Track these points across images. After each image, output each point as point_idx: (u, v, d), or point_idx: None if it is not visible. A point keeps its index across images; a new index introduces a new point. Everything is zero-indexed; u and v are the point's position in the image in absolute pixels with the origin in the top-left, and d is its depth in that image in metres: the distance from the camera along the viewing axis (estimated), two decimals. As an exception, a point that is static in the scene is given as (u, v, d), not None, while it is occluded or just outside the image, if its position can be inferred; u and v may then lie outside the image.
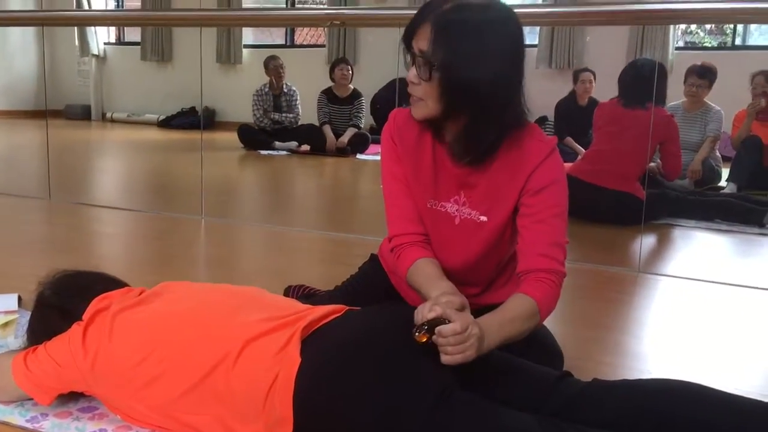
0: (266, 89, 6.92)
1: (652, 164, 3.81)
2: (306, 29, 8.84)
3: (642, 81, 3.63)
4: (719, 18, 4.17)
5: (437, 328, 1.13)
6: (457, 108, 1.32)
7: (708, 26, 7.26)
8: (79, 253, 2.79)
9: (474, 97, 1.29)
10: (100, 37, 9.82)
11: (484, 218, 1.42)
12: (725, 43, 7.19)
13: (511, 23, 1.31)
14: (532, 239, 1.36)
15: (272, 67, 6.89)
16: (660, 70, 3.76)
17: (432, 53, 1.28)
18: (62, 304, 1.39)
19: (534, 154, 1.37)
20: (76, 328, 1.32)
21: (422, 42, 1.29)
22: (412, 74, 1.32)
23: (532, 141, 1.39)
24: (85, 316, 1.33)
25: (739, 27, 6.94)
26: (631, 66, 3.84)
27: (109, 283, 1.46)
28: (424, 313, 1.16)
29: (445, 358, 1.14)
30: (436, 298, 1.22)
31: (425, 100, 1.33)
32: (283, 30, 8.90)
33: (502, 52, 1.30)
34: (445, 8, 1.28)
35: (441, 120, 1.37)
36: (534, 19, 3.88)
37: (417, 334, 1.14)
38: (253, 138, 6.79)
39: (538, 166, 1.37)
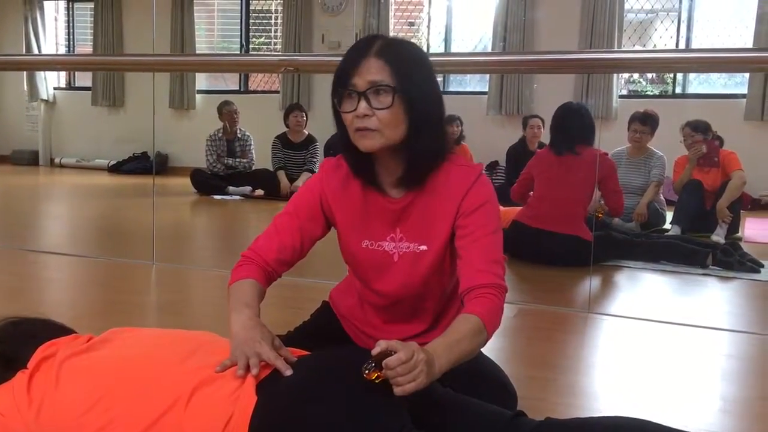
0: (220, 134, 6.91)
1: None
2: (260, 75, 8.89)
3: (568, 126, 3.77)
4: (660, 67, 4.35)
5: (384, 362, 1.13)
6: (419, 129, 1.38)
7: (650, 75, 7.55)
8: (25, 301, 2.72)
9: (428, 117, 1.38)
10: (50, 81, 9.69)
11: (423, 247, 1.46)
12: (666, 91, 7.48)
13: (426, 55, 1.45)
14: (470, 258, 1.40)
15: (226, 112, 6.90)
16: (585, 112, 3.90)
17: (391, 80, 1.33)
18: (6, 352, 1.35)
19: (463, 178, 1.43)
20: (21, 377, 1.28)
21: (370, 74, 1.33)
22: (362, 108, 1.34)
23: (459, 167, 1.46)
24: (30, 363, 1.29)
25: (679, 76, 7.24)
26: (556, 113, 3.95)
27: (55, 331, 1.43)
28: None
29: (397, 390, 1.13)
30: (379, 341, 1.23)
31: (380, 130, 1.35)
32: (236, 75, 8.93)
33: (433, 76, 1.43)
34: (382, 43, 1.36)
35: (394, 147, 1.39)
36: (484, 67, 4.00)
37: (366, 372, 1.14)
38: (206, 183, 6.74)
39: (469, 189, 1.42)
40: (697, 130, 4.66)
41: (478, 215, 1.41)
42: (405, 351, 1.14)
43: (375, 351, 1.15)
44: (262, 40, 9.01)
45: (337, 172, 1.50)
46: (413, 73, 1.36)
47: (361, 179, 1.47)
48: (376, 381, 1.14)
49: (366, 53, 1.35)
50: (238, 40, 8.90)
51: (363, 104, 1.34)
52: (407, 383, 1.13)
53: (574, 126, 3.78)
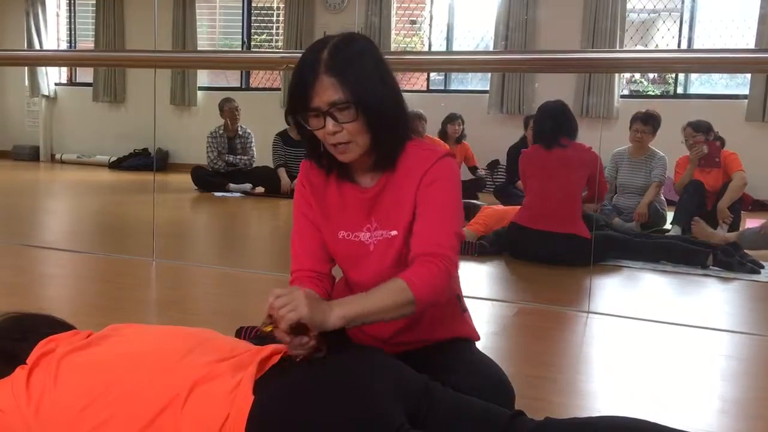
0: (221, 131, 6.92)
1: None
2: (261, 72, 8.89)
3: (552, 121, 3.81)
4: (661, 67, 4.35)
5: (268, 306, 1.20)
6: (383, 131, 1.41)
7: (651, 75, 7.55)
8: (25, 296, 2.72)
9: (387, 111, 1.40)
10: (51, 77, 9.69)
11: (394, 232, 1.48)
12: (668, 91, 7.48)
13: (372, 46, 1.45)
14: (419, 230, 1.42)
15: (227, 109, 6.90)
16: (565, 108, 3.94)
17: (348, 95, 1.35)
18: (6, 347, 1.35)
19: (424, 160, 1.46)
20: (20, 372, 1.28)
21: (327, 95, 1.35)
22: (330, 126, 1.37)
23: (424, 151, 1.48)
24: (30, 359, 1.29)
25: (681, 76, 7.24)
26: (540, 111, 4.00)
27: (55, 326, 1.43)
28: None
29: (282, 325, 1.18)
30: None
31: (353, 141, 1.39)
32: (238, 73, 8.93)
33: (382, 71, 1.42)
34: (325, 56, 1.36)
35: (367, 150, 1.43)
36: (485, 66, 4.00)
37: (263, 327, 1.21)
38: (207, 180, 6.75)
39: (428, 169, 1.45)
40: (699, 130, 4.66)
41: (431, 189, 1.43)
42: (283, 290, 1.21)
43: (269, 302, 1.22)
44: (263, 37, 9.01)
45: (313, 170, 1.54)
46: (364, 78, 1.37)
47: (334, 174, 1.51)
48: (269, 331, 1.21)
49: (316, 72, 1.35)
50: (240, 36, 8.90)
51: (330, 122, 1.37)
52: (287, 312, 1.18)
53: (557, 120, 3.81)
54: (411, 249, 1.42)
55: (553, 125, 3.81)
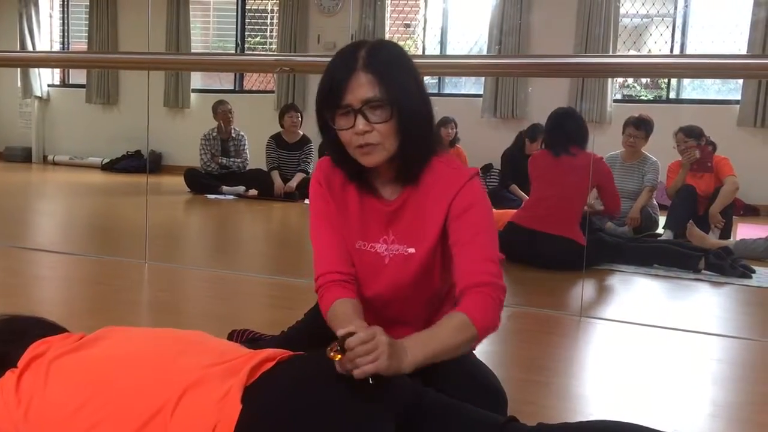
0: (214, 133, 6.91)
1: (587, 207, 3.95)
2: (255, 75, 8.88)
3: (564, 128, 3.82)
4: (654, 73, 4.37)
5: (346, 342, 1.12)
6: (412, 138, 1.37)
7: (644, 80, 7.58)
8: (17, 298, 2.70)
9: (419, 119, 1.38)
10: (44, 78, 9.66)
11: (411, 250, 1.45)
12: (660, 96, 7.51)
13: (407, 54, 1.44)
14: (463, 259, 1.38)
15: (221, 111, 6.89)
16: (578, 116, 3.98)
17: (384, 94, 1.32)
18: (-3, 349, 1.34)
19: (454, 180, 1.42)
20: (10, 376, 1.27)
21: (362, 91, 1.32)
22: (361, 125, 1.33)
23: (452, 170, 1.45)
24: (21, 362, 1.28)
25: (673, 81, 7.28)
26: (551, 117, 3.99)
27: (47, 329, 1.42)
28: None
29: (356, 372, 1.11)
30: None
31: (382, 143, 1.35)
32: (232, 75, 8.92)
33: (418, 78, 1.42)
34: (363, 54, 1.34)
35: (393, 157, 1.39)
36: (479, 70, 4.01)
37: (331, 353, 1.13)
38: (200, 182, 6.73)
39: (459, 191, 1.41)
40: (691, 135, 4.68)
41: (469, 215, 1.40)
42: (366, 332, 1.12)
43: (340, 333, 1.14)
44: (257, 39, 9.01)
45: (335, 171, 1.49)
46: (402, 80, 1.36)
47: (356, 184, 1.47)
48: (336, 360, 1.14)
49: (353, 68, 1.33)
50: (234, 39, 8.89)
51: (361, 121, 1.33)
52: (365, 363, 1.10)
53: (569, 128, 3.81)
54: (459, 279, 1.37)
55: (562, 133, 3.81)
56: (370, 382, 1.14)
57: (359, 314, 1.38)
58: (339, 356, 1.13)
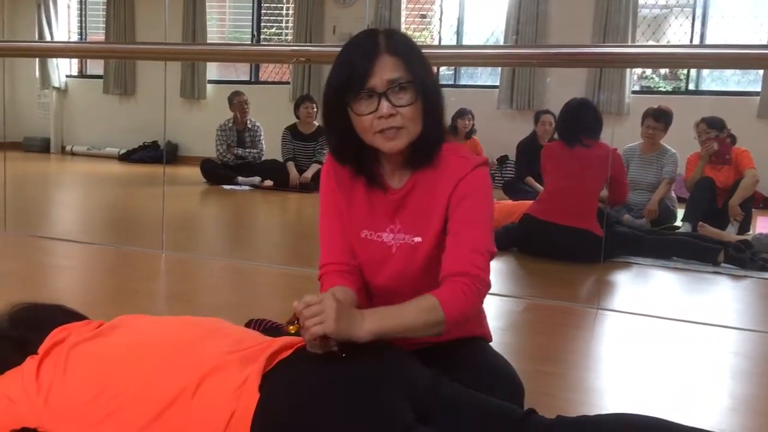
0: (230, 124, 6.92)
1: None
2: (271, 66, 8.89)
3: (578, 118, 3.80)
4: (674, 63, 4.32)
5: (293, 306, 1.16)
6: (433, 122, 1.38)
7: (663, 71, 7.50)
8: (37, 286, 2.73)
9: (437, 104, 1.39)
10: (62, 69, 9.73)
11: (418, 239, 1.44)
12: (679, 87, 7.43)
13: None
14: (451, 249, 1.38)
15: (236, 102, 6.90)
16: (593, 106, 3.96)
17: (410, 76, 1.33)
18: (19, 336, 1.35)
19: (458, 169, 1.41)
20: (30, 362, 1.29)
21: (387, 73, 1.32)
22: (385, 108, 1.32)
23: (457, 158, 1.44)
24: (42, 349, 1.30)
25: (692, 72, 7.19)
26: (565, 108, 3.97)
27: (67, 316, 1.43)
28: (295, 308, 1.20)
29: (306, 337, 1.15)
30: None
31: (405, 127, 1.35)
32: (248, 66, 8.94)
33: (429, 65, 1.42)
34: (383, 39, 1.34)
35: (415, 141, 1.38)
36: (496, 60, 3.98)
37: (288, 327, 1.18)
38: (216, 173, 6.76)
39: (461, 180, 1.40)
40: (713, 126, 4.63)
41: (465, 205, 1.39)
42: (314, 297, 1.17)
43: (294, 305, 1.18)
44: (273, 30, 9.01)
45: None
46: (422, 64, 1.38)
47: (365, 176, 1.46)
48: (293, 332, 1.19)
49: (376, 51, 1.32)
50: (250, 30, 8.89)
51: (386, 104, 1.32)
52: (314, 325, 1.15)
53: (583, 118, 3.79)
54: (443, 267, 1.37)
55: (577, 124, 3.79)
56: (343, 356, 1.18)
57: (351, 302, 1.38)
58: (294, 327, 1.18)
